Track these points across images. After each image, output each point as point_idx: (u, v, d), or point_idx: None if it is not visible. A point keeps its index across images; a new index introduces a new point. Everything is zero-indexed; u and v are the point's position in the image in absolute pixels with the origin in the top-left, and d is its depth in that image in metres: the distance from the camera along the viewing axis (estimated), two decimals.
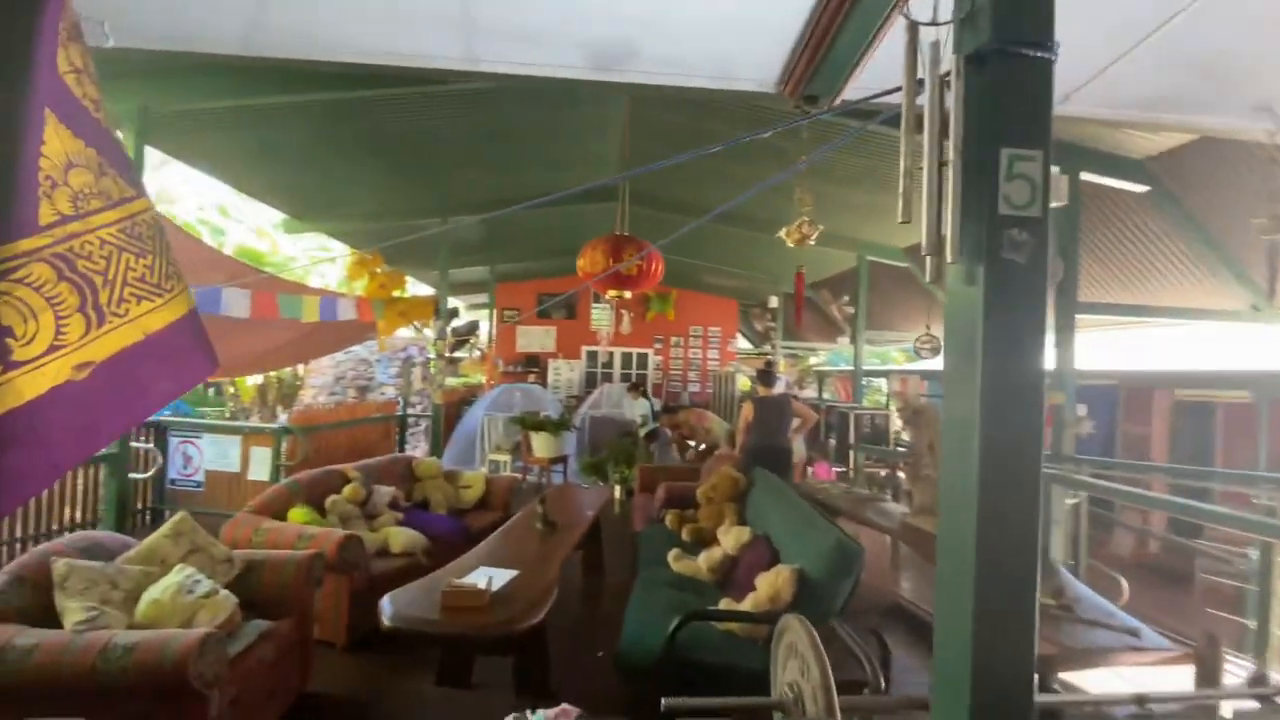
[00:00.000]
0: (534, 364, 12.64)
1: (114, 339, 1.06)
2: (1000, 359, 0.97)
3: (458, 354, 11.06)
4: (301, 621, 2.75)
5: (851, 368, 9.16)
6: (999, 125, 0.97)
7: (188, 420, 5.60)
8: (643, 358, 13.07)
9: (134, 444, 4.37)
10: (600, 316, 12.36)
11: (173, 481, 5.47)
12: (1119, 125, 3.15)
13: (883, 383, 12.49)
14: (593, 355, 12.90)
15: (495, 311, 12.20)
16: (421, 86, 4.13)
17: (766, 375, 5.27)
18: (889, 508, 4.07)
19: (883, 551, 4.65)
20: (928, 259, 1.01)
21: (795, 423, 5.11)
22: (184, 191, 17.66)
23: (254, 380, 12.72)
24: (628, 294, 4.73)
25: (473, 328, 11.13)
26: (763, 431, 4.95)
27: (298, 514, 3.56)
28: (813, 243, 3.80)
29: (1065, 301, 4.21)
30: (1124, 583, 3.17)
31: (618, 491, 6.76)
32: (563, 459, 6.98)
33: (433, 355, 7.63)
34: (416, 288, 11.32)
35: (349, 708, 2.77)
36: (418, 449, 9.99)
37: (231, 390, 13.41)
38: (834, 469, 6.49)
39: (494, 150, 5.89)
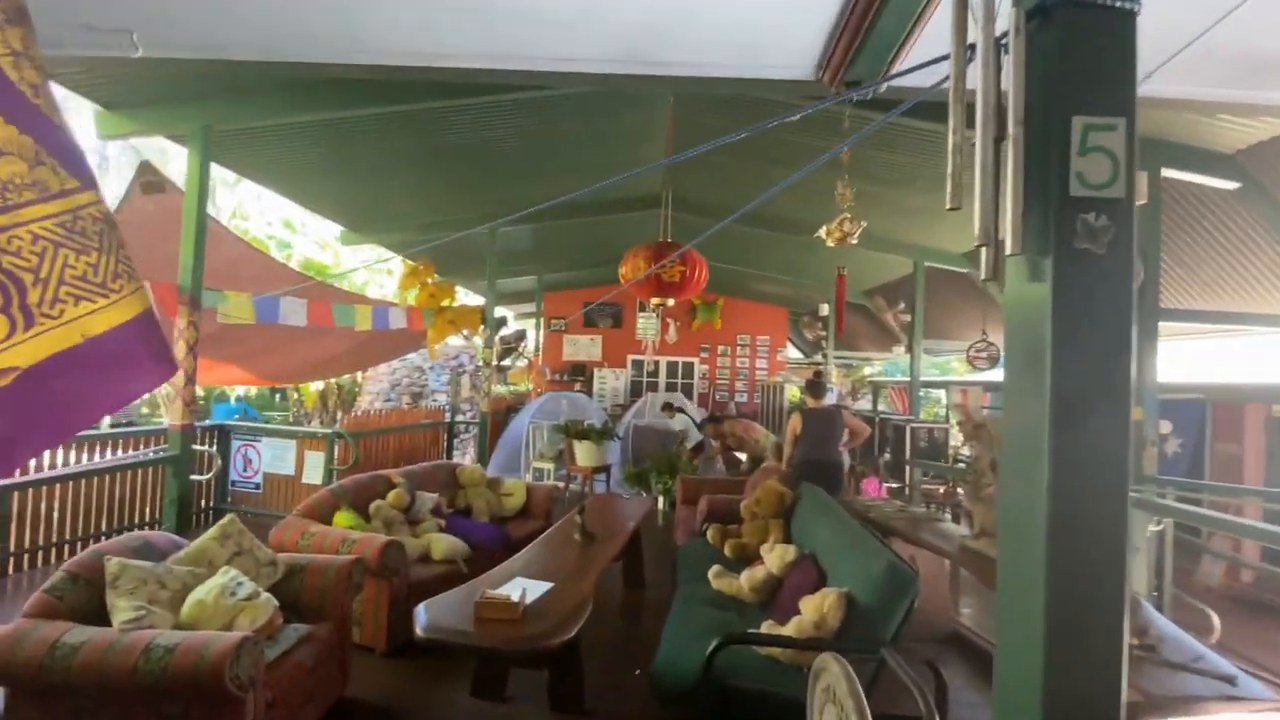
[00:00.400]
0: (580, 373, 12.72)
1: (44, 343, 1.00)
2: (1073, 366, 0.83)
3: (505, 362, 11.26)
4: (341, 626, 2.77)
5: (908, 378, 8.77)
6: (1070, 90, 0.82)
7: (247, 424, 5.84)
8: (689, 367, 12.94)
9: (195, 447, 4.58)
10: (646, 325, 12.32)
11: (234, 483, 5.72)
12: (1214, 109, 2.83)
13: (942, 394, 11.93)
14: (638, 364, 12.87)
15: (543, 320, 12.35)
16: (470, 98, 4.21)
17: (815, 386, 5.06)
18: (947, 529, 3.81)
19: (940, 574, 4.37)
20: (982, 251, 0.87)
21: (845, 436, 4.89)
22: (256, 208, 18.78)
23: (316, 386, 13.30)
24: (670, 301, 4.64)
25: (520, 336, 11.30)
26: (811, 445, 4.75)
27: (343, 518, 3.62)
28: (855, 241, 3.57)
29: (1146, 307, 3.87)
30: (1214, 618, 2.84)
31: (660, 502, 6.67)
32: (606, 468, 6.94)
33: (481, 363, 7.75)
34: (468, 298, 11.60)
35: (385, 714, 2.77)
36: (466, 455, 10.17)
37: (296, 396, 14.07)
38: (885, 485, 6.17)
39: (541, 159, 5.96)
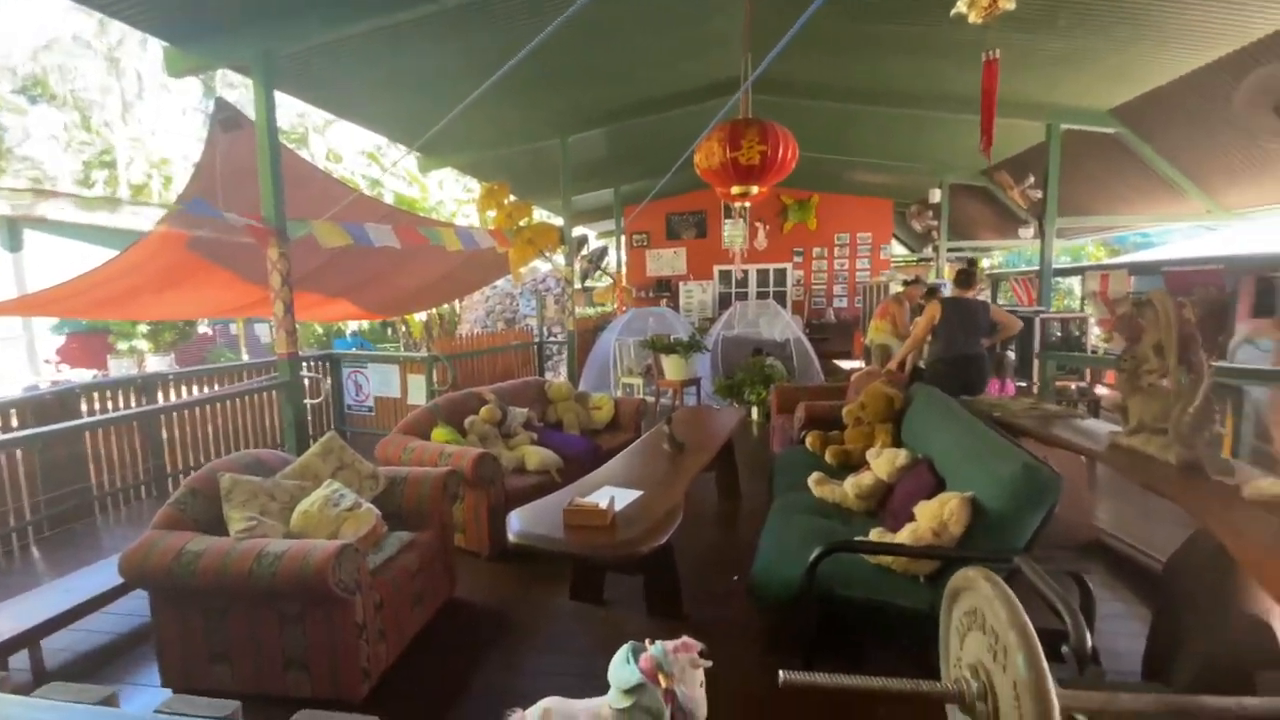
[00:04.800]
0: (665, 288, 12.43)
1: None
2: None
3: (589, 282, 11.17)
4: (442, 533, 2.85)
5: (1032, 268, 7.71)
6: None
7: (353, 353, 6.17)
8: (780, 274, 12.27)
9: (303, 374, 4.86)
10: (732, 233, 11.69)
11: (349, 407, 6.13)
12: None
13: (1074, 284, 10.55)
14: (726, 275, 12.36)
15: (623, 236, 12.01)
16: None
17: (967, 275, 4.63)
18: (1087, 425, 3.31)
19: (1073, 474, 3.87)
20: None
21: (991, 331, 4.50)
22: (347, 150, 19.41)
23: (420, 317, 14.04)
24: (754, 190, 4.15)
25: (602, 253, 11.10)
26: (952, 338, 4.32)
27: (440, 434, 3.71)
28: (1011, 5, 2.49)
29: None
30: None
31: (754, 414, 6.44)
32: (695, 381, 6.77)
33: (564, 283, 7.68)
34: (549, 219, 11.48)
35: (491, 614, 2.87)
36: (560, 375, 10.41)
37: (403, 328, 14.98)
38: (1012, 383, 5.55)
39: (606, 56, 5.46)
